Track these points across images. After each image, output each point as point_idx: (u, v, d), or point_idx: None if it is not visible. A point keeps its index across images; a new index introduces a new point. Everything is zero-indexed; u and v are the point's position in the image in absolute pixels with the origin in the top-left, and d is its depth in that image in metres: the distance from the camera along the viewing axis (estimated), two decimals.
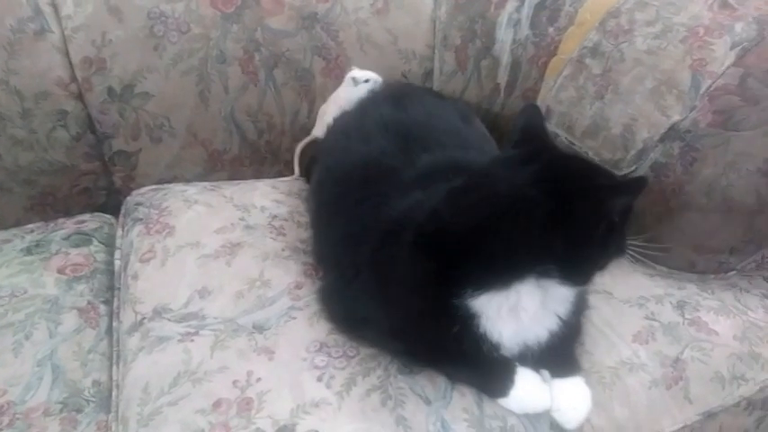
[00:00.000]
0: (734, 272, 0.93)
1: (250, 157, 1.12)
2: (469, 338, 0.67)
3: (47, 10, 0.95)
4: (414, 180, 0.78)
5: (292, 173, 1.15)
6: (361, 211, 0.80)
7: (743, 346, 0.81)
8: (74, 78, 0.99)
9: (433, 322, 0.68)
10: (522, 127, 0.75)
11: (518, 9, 1.08)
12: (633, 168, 0.91)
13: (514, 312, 0.67)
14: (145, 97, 1.02)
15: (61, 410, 0.74)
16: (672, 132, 0.87)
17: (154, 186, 1.07)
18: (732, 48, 0.84)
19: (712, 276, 0.92)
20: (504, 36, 1.09)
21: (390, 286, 0.71)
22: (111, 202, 1.10)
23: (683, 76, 0.87)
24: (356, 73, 1.03)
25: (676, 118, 0.86)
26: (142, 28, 0.99)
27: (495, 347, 0.68)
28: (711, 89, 0.84)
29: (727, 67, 0.83)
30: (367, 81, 1.02)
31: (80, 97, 1.00)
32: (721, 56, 0.85)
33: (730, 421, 0.79)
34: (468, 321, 0.67)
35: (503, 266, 0.64)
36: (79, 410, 0.75)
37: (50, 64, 0.97)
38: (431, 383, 0.73)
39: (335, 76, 1.10)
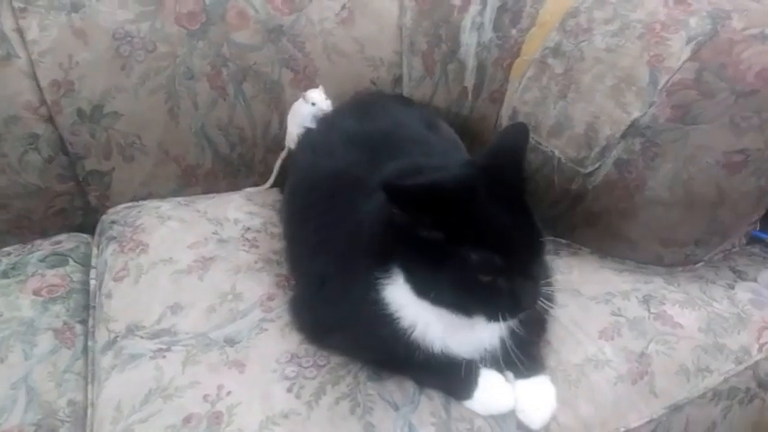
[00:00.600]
0: (701, 263, 0.93)
1: (224, 170, 1.13)
2: (416, 346, 0.68)
3: (12, 36, 0.96)
4: (378, 185, 0.78)
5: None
6: (328, 220, 0.81)
7: (707, 338, 0.82)
8: (43, 101, 1.00)
9: (384, 328, 0.69)
10: (497, 144, 0.73)
11: (481, 12, 1.09)
12: (597, 165, 0.92)
13: (449, 321, 0.67)
14: (114, 117, 1.03)
15: None
16: (632, 129, 0.88)
17: (128, 204, 1.09)
18: (688, 42, 0.85)
19: (680, 269, 0.93)
20: (469, 39, 1.10)
21: (351, 291, 0.71)
22: (88, 220, 1.11)
23: (641, 73, 0.88)
24: (309, 94, 1.03)
25: (636, 114, 0.87)
26: (108, 49, 0.99)
27: (445, 353, 0.69)
28: (669, 84, 0.85)
29: (684, 62, 0.84)
30: (314, 104, 1.02)
31: (50, 120, 1.01)
32: (677, 51, 0.85)
33: (696, 413, 0.80)
34: (407, 329, 0.69)
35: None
36: (53, 431, 0.76)
37: (19, 88, 0.98)
38: (399, 389, 0.74)
39: (305, 86, 1.10)
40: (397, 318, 0.69)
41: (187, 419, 0.71)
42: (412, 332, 0.69)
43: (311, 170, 0.90)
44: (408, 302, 0.68)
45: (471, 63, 1.11)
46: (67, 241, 1.06)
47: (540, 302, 0.67)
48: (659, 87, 0.86)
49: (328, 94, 1.11)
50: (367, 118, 0.94)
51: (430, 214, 0.62)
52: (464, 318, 0.65)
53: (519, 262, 0.62)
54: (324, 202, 0.84)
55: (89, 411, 0.79)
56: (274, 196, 1.12)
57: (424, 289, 0.65)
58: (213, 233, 0.99)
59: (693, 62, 0.84)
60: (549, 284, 0.75)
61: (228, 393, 0.74)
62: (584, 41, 0.96)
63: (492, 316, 0.64)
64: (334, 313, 0.76)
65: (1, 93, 0.97)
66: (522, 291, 0.62)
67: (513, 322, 0.69)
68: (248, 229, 1.02)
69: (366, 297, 0.69)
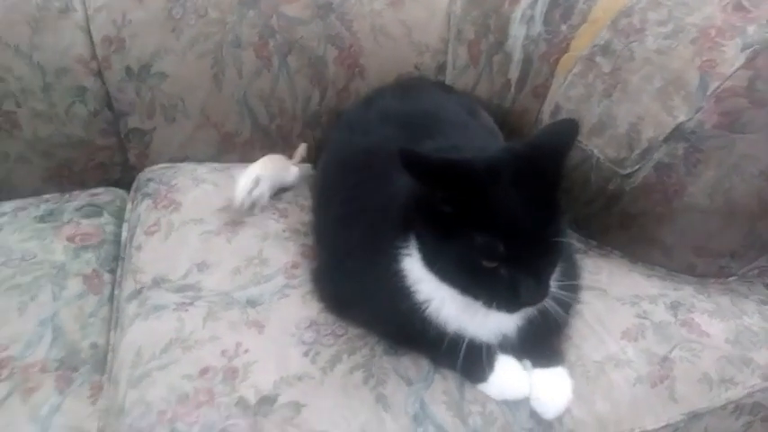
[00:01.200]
0: (734, 277, 0.91)
1: (261, 140, 1.14)
2: (431, 322, 0.69)
3: None
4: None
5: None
6: (358, 193, 0.81)
7: (734, 350, 0.80)
8: (94, 56, 1.02)
9: (402, 301, 0.69)
10: (542, 135, 0.73)
11: (532, 5, 1.08)
12: (637, 167, 0.90)
13: (463, 302, 0.67)
14: (161, 77, 1.05)
15: (57, 368, 0.77)
16: (677, 133, 0.86)
17: (166, 164, 1.11)
18: (743, 50, 0.83)
19: (712, 280, 0.90)
20: (517, 32, 1.09)
21: (375, 263, 0.72)
22: (125, 177, 1.13)
23: (691, 77, 0.86)
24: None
25: (682, 118, 0.86)
26: (161, 10, 1.02)
27: (459, 334, 0.69)
28: (719, 90, 0.83)
29: (737, 69, 0.82)
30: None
31: (99, 74, 1.03)
32: (731, 57, 0.83)
33: (716, 424, 0.78)
34: (422, 304, 0.69)
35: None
36: (75, 369, 0.78)
37: (72, 41, 1.01)
38: (414, 365, 0.74)
39: (348, 65, 1.11)
40: (414, 291, 0.69)
41: (204, 371, 0.72)
42: (427, 307, 0.69)
43: (346, 147, 0.91)
44: (424, 277, 0.68)
45: (517, 56, 1.10)
46: (104, 194, 1.09)
47: (557, 299, 0.66)
48: (708, 93, 0.84)
49: (372, 76, 1.12)
50: (407, 98, 0.94)
51: (443, 189, 0.61)
52: (465, 297, 0.65)
53: (524, 255, 0.60)
54: (356, 175, 0.84)
55: (110, 355, 0.81)
56: (307, 170, 1.12)
57: (430, 260, 0.65)
58: None
59: (747, 70, 0.82)
60: (572, 286, 0.74)
61: (246, 351, 0.75)
62: (635, 41, 0.95)
63: (489, 303, 0.63)
64: (356, 285, 0.76)
65: (56, 44, 1.00)
66: (524, 286, 0.61)
67: (527, 312, 0.68)
68: (279, 199, 1.03)
69: (388, 268, 0.69)
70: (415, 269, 0.68)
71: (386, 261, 0.70)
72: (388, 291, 0.70)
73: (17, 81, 0.99)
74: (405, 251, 0.68)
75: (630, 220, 0.93)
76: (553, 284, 0.66)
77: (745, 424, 0.80)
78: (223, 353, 0.75)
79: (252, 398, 0.69)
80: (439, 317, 0.69)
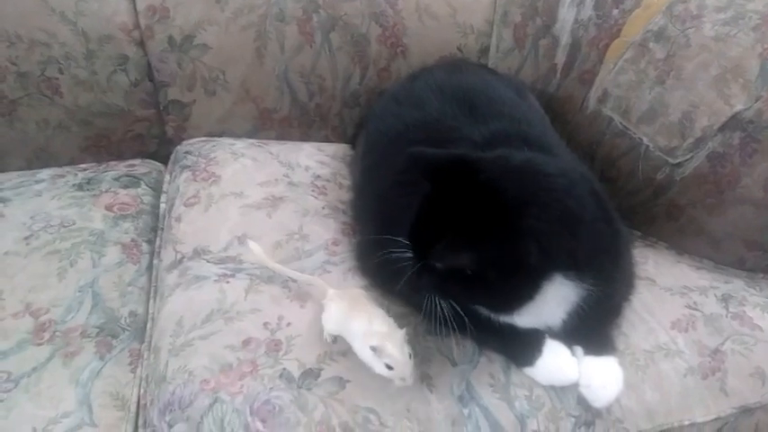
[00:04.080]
0: None
1: (299, 118, 1.13)
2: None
3: None
4: (486, 141, 0.77)
5: (339, 139, 1.16)
6: None
7: None
8: (137, 25, 1.01)
9: None
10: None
11: None
12: (689, 157, 0.88)
13: None
14: (203, 49, 1.04)
15: (98, 334, 0.77)
16: (733, 122, 0.84)
17: (204, 138, 1.10)
18: None
19: (762, 275, 0.88)
20: (567, 15, 1.07)
21: None
22: (161, 150, 1.13)
23: (751, 65, 0.84)
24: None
25: (739, 107, 0.83)
26: None
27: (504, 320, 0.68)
28: None
29: None
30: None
31: (141, 44, 1.03)
32: None
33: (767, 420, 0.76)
34: None
35: None
36: (114, 336, 0.77)
37: (116, 9, 1.00)
38: (458, 346, 0.73)
39: (391, 44, 1.10)
40: None
41: (246, 342, 0.71)
42: None
43: (395, 120, 0.89)
44: None
45: (565, 40, 1.08)
46: (141, 166, 1.08)
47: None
48: None
49: (414, 57, 1.10)
50: (457, 74, 0.92)
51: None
52: None
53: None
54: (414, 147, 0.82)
55: (149, 325, 0.80)
56: (344, 150, 1.12)
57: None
58: (284, 176, 0.99)
59: None
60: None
61: (288, 324, 0.74)
62: (691, 28, 0.92)
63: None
64: (401, 261, 0.75)
65: (100, 11, 0.99)
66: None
67: (579, 300, 0.67)
68: (318, 176, 1.02)
69: None
70: None
71: None
72: None
73: (61, 47, 0.99)
74: None
75: (679, 211, 0.91)
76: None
77: None
78: (265, 325, 0.74)
79: (295, 371, 0.68)
80: None
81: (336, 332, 0.71)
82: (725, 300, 0.82)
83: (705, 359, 0.75)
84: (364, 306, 0.70)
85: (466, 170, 0.65)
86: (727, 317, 0.79)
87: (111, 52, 1.02)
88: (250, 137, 1.12)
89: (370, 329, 0.66)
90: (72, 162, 1.08)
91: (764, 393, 0.75)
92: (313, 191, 0.97)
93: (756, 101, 0.82)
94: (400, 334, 0.65)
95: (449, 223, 0.63)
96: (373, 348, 0.64)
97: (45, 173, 1.03)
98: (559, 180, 0.65)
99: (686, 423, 0.72)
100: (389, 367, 0.64)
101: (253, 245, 0.79)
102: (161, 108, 1.09)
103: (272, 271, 0.80)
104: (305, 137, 1.15)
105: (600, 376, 0.69)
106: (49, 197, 0.97)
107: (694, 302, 0.81)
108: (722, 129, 0.85)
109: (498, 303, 0.67)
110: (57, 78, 1.01)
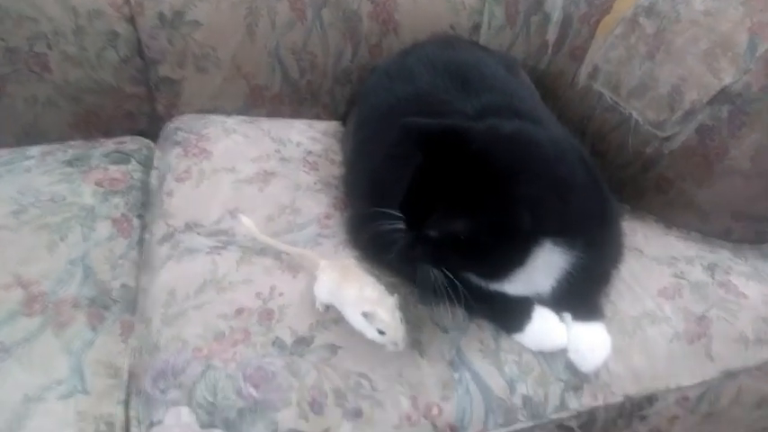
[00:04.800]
0: None
1: (290, 95, 1.13)
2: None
3: None
4: (478, 114, 0.78)
5: (330, 116, 1.16)
6: None
7: None
8: (127, 1, 1.00)
9: None
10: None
11: None
12: (677, 130, 0.89)
13: None
14: (194, 25, 1.03)
15: (89, 305, 0.77)
16: (722, 95, 0.84)
17: (194, 115, 1.09)
18: None
19: (748, 246, 0.89)
20: None
21: None
22: (152, 128, 1.12)
23: (739, 39, 0.84)
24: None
25: (728, 80, 0.84)
26: None
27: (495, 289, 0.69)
28: None
29: None
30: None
31: (132, 20, 1.02)
32: None
33: (750, 384, 0.77)
34: None
35: None
36: (106, 308, 0.77)
37: None
38: (449, 315, 0.73)
39: (382, 20, 1.09)
40: None
41: (239, 311, 0.72)
42: None
43: (387, 95, 0.89)
44: None
45: (556, 16, 1.08)
46: (131, 143, 1.07)
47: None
48: (757, 55, 0.82)
49: (406, 34, 1.10)
50: (449, 49, 0.92)
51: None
52: None
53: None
54: None
55: (140, 297, 0.80)
56: (335, 126, 1.12)
57: None
58: (276, 151, 0.99)
59: None
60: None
61: (281, 294, 0.74)
62: (681, 3, 0.92)
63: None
64: (392, 232, 0.75)
65: None
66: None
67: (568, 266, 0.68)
68: (310, 152, 1.02)
69: None
70: None
71: None
72: None
73: (49, 22, 0.98)
74: None
75: (668, 184, 0.92)
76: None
77: None
78: (258, 295, 0.74)
79: (288, 338, 0.69)
80: None
81: (328, 301, 0.72)
82: (711, 269, 0.83)
83: (691, 325, 0.76)
84: (356, 275, 0.70)
85: (457, 140, 0.66)
86: (712, 285, 0.81)
87: (101, 28, 1.01)
88: (241, 114, 1.12)
89: (362, 296, 0.67)
90: (61, 139, 1.07)
91: (748, 358, 0.77)
92: (305, 166, 0.98)
93: (745, 74, 0.83)
94: (392, 300, 0.66)
95: (442, 193, 0.64)
96: (365, 314, 0.65)
97: (34, 150, 1.02)
98: (549, 148, 0.66)
99: (672, 387, 0.74)
100: (381, 332, 0.65)
101: (245, 219, 0.80)
102: (151, 85, 1.08)
103: (264, 244, 0.80)
104: (296, 114, 1.15)
105: (588, 341, 0.70)
106: (38, 173, 0.96)
107: (681, 271, 0.82)
108: (711, 102, 0.85)
109: (490, 270, 0.68)
110: (45, 54, 1.00)
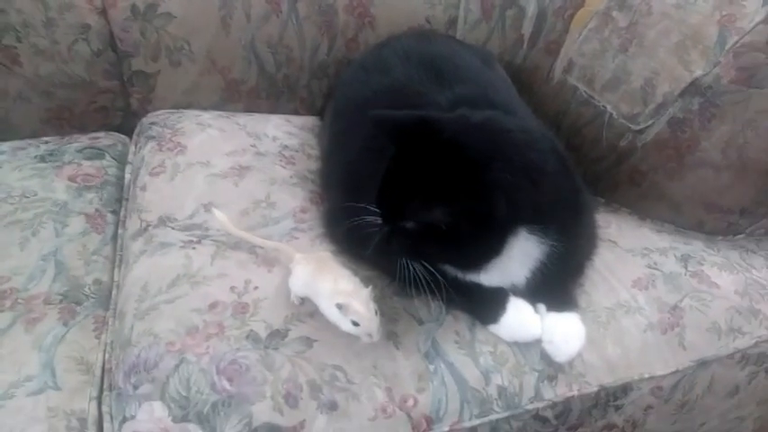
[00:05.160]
0: (742, 235, 0.91)
1: (267, 89, 1.12)
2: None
3: None
4: (452, 105, 0.78)
5: (308, 111, 1.15)
6: None
7: (743, 301, 0.81)
8: None
9: None
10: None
11: None
12: (650, 123, 0.90)
13: None
14: (167, 18, 1.02)
15: (61, 301, 0.76)
16: (693, 87, 0.86)
17: (169, 110, 1.08)
18: (764, 4, 0.82)
19: (720, 237, 0.91)
20: None
21: None
22: (126, 123, 1.11)
23: (709, 31, 0.85)
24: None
25: (699, 73, 0.85)
26: None
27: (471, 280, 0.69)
28: (737, 45, 0.82)
29: (756, 24, 0.82)
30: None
31: (103, 13, 1.00)
32: (752, 12, 0.83)
33: (722, 373, 0.78)
34: None
35: None
36: (78, 303, 0.76)
37: None
38: (425, 306, 0.74)
39: (358, 14, 1.09)
40: None
41: (213, 305, 0.71)
42: None
43: (363, 87, 0.89)
44: None
45: (532, 10, 1.09)
46: (105, 138, 1.06)
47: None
48: (727, 47, 0.83)
49: (382, 28, 1.09)
50: (424, 41, 0.92)
51: None
52: None
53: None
54: None
55: (114, 292, 0.80)
56: (313, 121, 1.11)
57: None
58: (251, 145, 0.99)
59: (767, 25, 0.81)
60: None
61: (255, 288, 0.74)
62: None
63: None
64: (368, 226, 0.75)
65: None
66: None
67: (542, 257, 0.68)
68: (286, 147, 1.01)
69: None
70: None
71: None
72: None
73: (18, 14, 0.96)
74: None
75: (641, 177, 0.93)
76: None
77: (750, 374, 0.81)
78: (232, 289, 0.73)
79: (262, 332, 0.69)
80: None
81: (303, 294, 0.71)
82: (684, 259, 0.84)
83: (664, 315, 0.77)
84: (330, 267, 0.70)
85: (428, 130, 0.66)
86: (685, 275, 0.82)
87: (72, 21, 0.99)
88: (217, 109, 1.11)
89: (336, 288, 0.67)
90: (34, 135, 1.05)
91: (720, 347, 0.78)
92: (281, 160, 0.97)
93: (715, 66, 0.84)
94: (366, 291, 0.66)
95: (416, 184, 0.64)
96: (339, 306, 0.65)
97: (5, 145, 1.01)
98: (520, 135, 0.66)
99: (646, 376, 0.74)
100: (356, 324, 0.64)
101: (218, 213, 0.79)
102: (125, 79, 1.07)
103: (238, 238, 0.80)
104: (273, 109, 1.15)
105: (562, 331, 0.71)
106: (9, 169, 0.94)
107: (654, 262, 0.83)
108: (682, 94, 0.87)
109: (467, 261, 0.68)
110: (15, 47, 0.99)
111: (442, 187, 0.63)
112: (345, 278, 0.68)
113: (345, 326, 0.65)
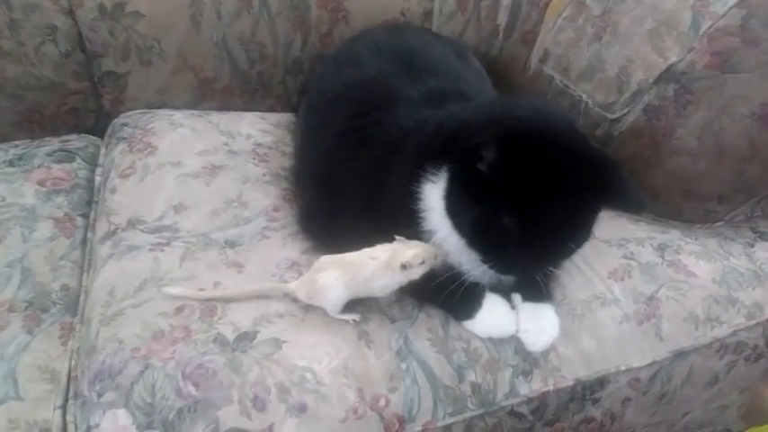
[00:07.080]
0: (721, 222, 0.90)
1: (241, 87, 1.10)
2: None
3: None
4: (423, 98, 0.77)
5: (284, 108, 1.14)
6: (358, 124, 0.78)
7: (720, 290, 0.79)
8: None
9: (408, 226, 0.68)
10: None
11: None
12: (625, 111, 0.89)
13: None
14: (136, 17, 1.00)
15: (26, 308, 0.74)
16: (667, 74, 0.84)
17: (142, 110, 1.06)
18: None
19: (699, 225, 0.90)
20: None
21: (382, 194, 0.70)
22: (99, 125, 1.09)
23: (683, 17, 0.84)
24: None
25: (673, 59, 0.84)
26: None
27: (457, 270, 0.68)
28: (711, 30, 0.81)
29: (730, 8, 0.81)
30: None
31: (70, 12, 0.98)
32: None
33: (701, 363, 0.77)
34: (427, 233, 0.68)
35: None
36: (44, 310, 0.75)
37: None
38: (398, 304, 0.72)
39: (332, 8, 1.07)
40: (422, 217, 0.67)
41: (180, 309, 0.70)
42: (430, 238, 0.67)
43: (335, 82, 0.88)
44: (438, 207, 0.66)
45: (506, 1, 1.07)
46: (77, 141, 1.04)
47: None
48: (701, 32, 0.82)
49: (357, 22, 1.08)
50: (397, 35, 0.91)
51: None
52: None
53: (536, 246, 0.62)
54: (354, 107, 0.81)
55: (82, 297, 0.78)
56: (289, 118, 1.10)
57: (452, 205, 0.65)
58: (224, 144, 0.97)
59: (741, 9, 0.80)
60: None
61: (225, 290, 0.72)
62: None
63: (487, 261, 0.65)
64: (352, 216, 0.74)
65: None
66: (522, 260, 0.63)
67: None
68: (260, 144, 1.00)
69: (401, 189, 0.67)
70: (432, 197, 0.66)
71: (401, 182, 0.68)
72: (392, 216, 0.68)
73: None
74: (430, 176, 0.66)
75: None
76: None
77: (729, 363, 0.80)
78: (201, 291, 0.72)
79: (230, 334, 0.67)
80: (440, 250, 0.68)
81: (352, 296, 0.68)
82: (661, 249, 0.83)
83: (640, 306, 0.76)
84: (348, 259, 0.67)
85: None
86: (662, 265, 0.81)
87: (38, 22, 0.97)
88: (191, 108, 1.09)
89: (381, 260, 0.65)
90: (4, 139, 1.03)
91: (698, 337, 0.77)
92: (254, 158, 0.96)
93: (689, 52, 0.82)
94: (393, 244, 0.66)
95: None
96: (404, 266, 0.64)
97: None
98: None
99: (623, 368, 0.73)
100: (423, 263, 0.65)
101: (171, 290, 0.71)
102: (95, 80, 1.05)
103: (208, 238, 0.78)
104: (249, 107, 1.13)
105: (537, 321, 0.70)
106: None
107: (631, 252, 0.82)
108: (657, 81, 0.85)
109: None
110: None
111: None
112: (372, 252, 0.66)
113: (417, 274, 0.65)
